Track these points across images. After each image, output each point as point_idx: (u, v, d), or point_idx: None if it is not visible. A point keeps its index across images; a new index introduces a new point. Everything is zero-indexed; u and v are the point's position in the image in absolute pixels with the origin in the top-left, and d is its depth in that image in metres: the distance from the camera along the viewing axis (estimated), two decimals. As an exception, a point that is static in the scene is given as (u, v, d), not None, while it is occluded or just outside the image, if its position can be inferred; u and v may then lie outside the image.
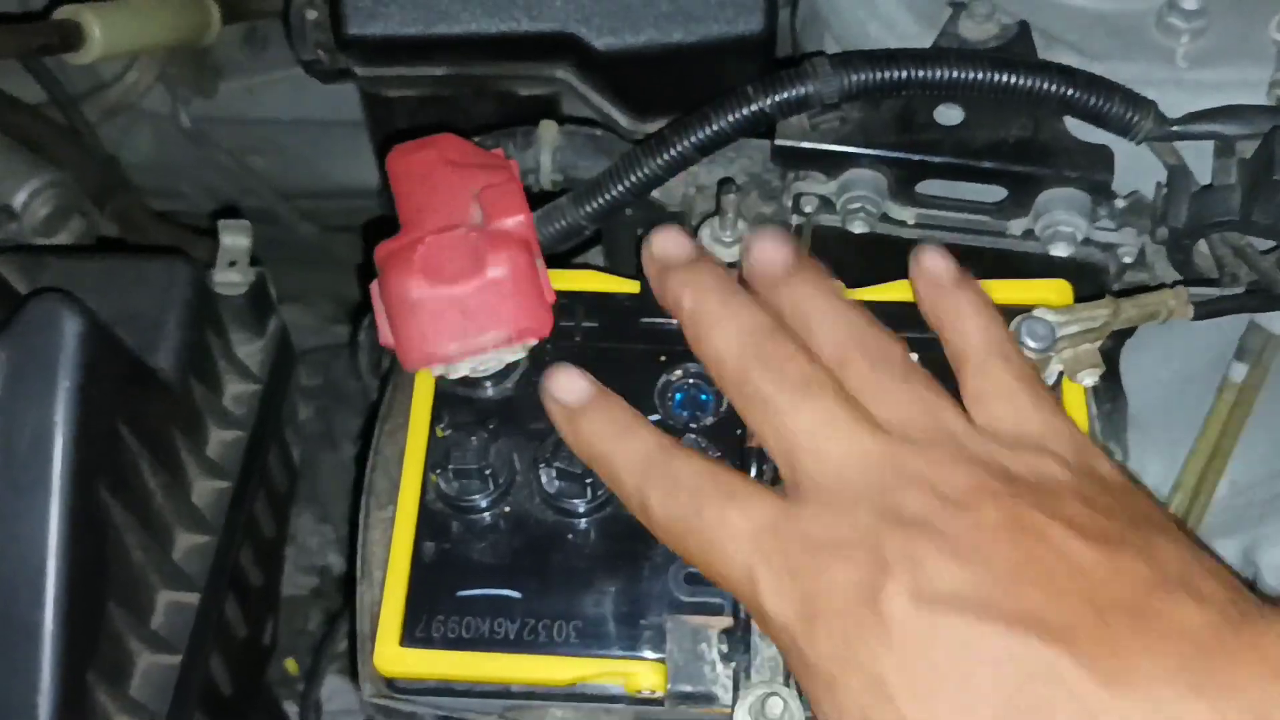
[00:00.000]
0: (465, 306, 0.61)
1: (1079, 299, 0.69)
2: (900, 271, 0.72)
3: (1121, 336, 0.84)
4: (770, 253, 0.59)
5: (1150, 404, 0.91)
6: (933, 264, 0.59)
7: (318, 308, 1.38)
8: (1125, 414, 0.91)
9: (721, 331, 0.56)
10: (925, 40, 0.79)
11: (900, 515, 0.48)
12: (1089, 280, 0.75)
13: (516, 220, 0.63)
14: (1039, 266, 0.75)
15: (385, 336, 0.64)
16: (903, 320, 0.69)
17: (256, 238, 0.81)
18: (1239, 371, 0.85)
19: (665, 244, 0.58)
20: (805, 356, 0.55)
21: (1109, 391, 0.89)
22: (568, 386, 0.59)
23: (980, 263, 0.76)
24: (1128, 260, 0.74)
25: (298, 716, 1.02)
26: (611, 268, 0.85)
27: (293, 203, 1.26)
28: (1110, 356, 0.86)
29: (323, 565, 1.18)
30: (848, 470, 0.50)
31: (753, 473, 0.60)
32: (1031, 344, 0.63)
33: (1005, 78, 0.69)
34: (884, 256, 0.77)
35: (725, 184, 0.67)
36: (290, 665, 1.07)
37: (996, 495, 0.48)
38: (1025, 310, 0.65)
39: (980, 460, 0.50)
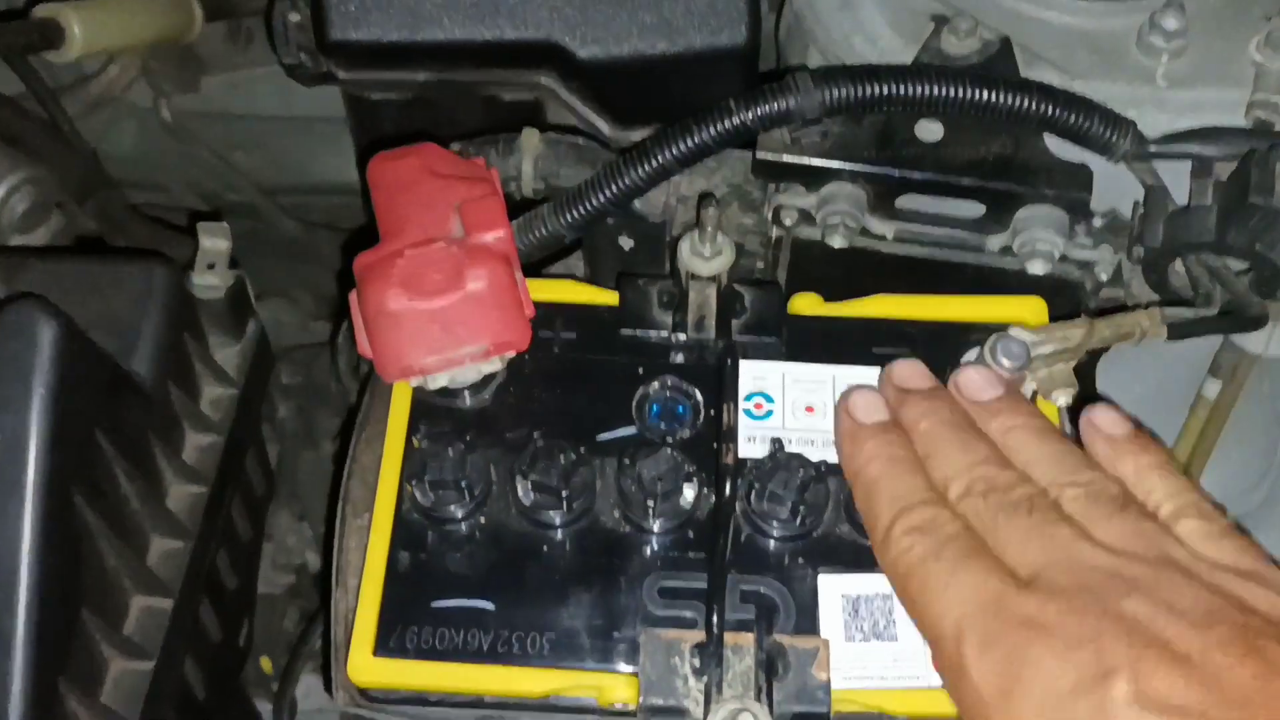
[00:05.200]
0: (444, 319, 0.61)
1: (1055, 316, 0.69)
2: (879, 286, 0.73)
3: (1097, 352, 0.85)
4: (979, 385, 0.62)
5: (1125, 418, 0.92)
6: (1106, 421, 0.60)
7: (300, 304, 1.37)
8: (1100, 428, 0.91)
9: (951, 456, 0.58)
10: (908, 55, 0.79)
11: (1132, 622, 0.49)
12: (1066, 297, 0.76)
13: (496, 234, 0.63)
14: (1016, 283, 0.75)
15: (364, 347, 0.64)
16: (882, 336, 0.69)
17: (238, 234, 0.81)
18: (1213, 388, 0.85)
19: (906, 373, 0.63)
20: (1029, 484, 0.56)
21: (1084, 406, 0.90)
22: (864, 406, 0.62)
23: (958, 278, 0.77)
24: (1104, 278, 0.75)
25: (271, 715, 1.02)
26: (592, 277, 0.85)
27: (275, 198, 1.26)
28: (1086, 372, 0.87)
29: (300, 564, 1.18)
30: (1080, 574, 0.51)
31: (727, 490, 0.60)
32: (1006, 363, 0.63)
33: (985, 95, 0.69)
34: (863, 270, 0.78)
35: (705, 198, 0.68)
36: (265, 664, 1.07)
37: (1232, 620, 0.48)
38: (1000, 327, 0.65)
39: (1213, 585, 0.51)
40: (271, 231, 1.29)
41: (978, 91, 0.69)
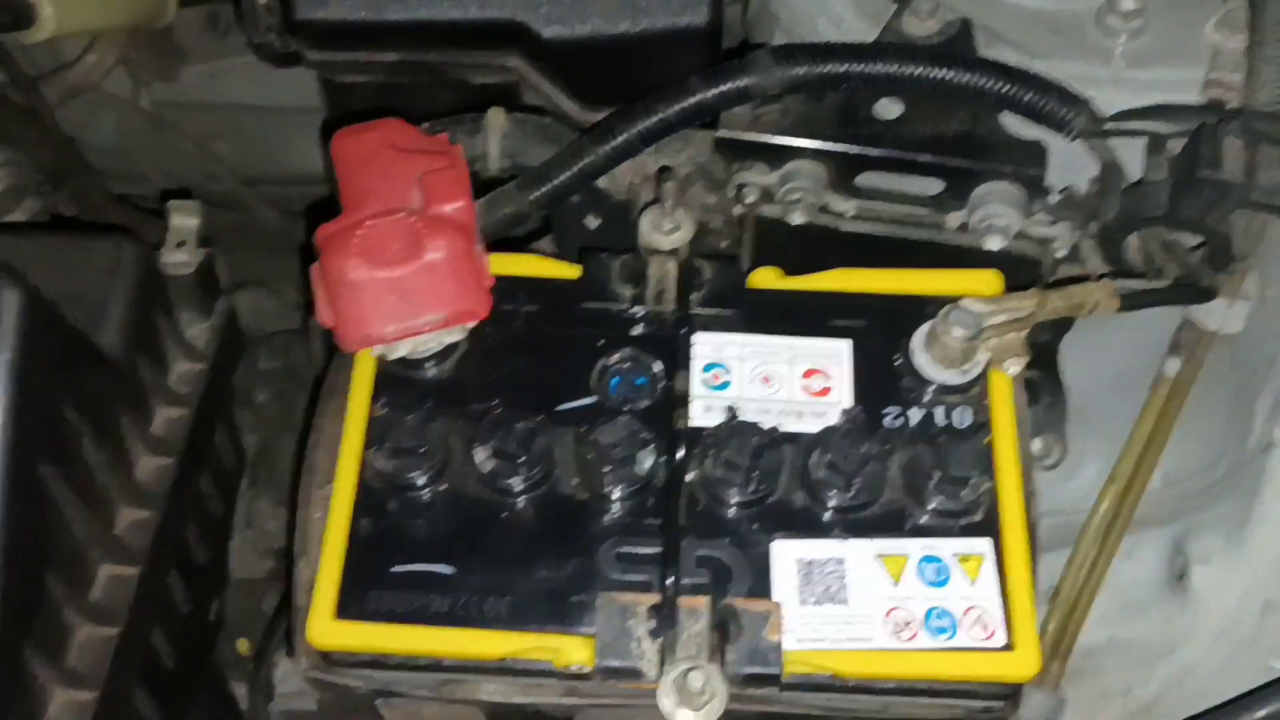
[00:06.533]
0: (403, 288, 0.62)
1: (1014, 291, 0.70)
2: (840, 264, 0.74)
3: (1061, 330, 0.86)
4: None
5: (1092, 397, 0.93)
6: None
7: (281, 293, 1.37)
8: (1065, 407, 0.92)
9: None
10: (871, 35, 0.80)
11: None
12: (1025, 273, 0.77)
13: (456, 205, 0.64)
14: (976, 260, 0.76)
15: (325, 317, 0.64)
16: (840, 308, 0.70)
17: (221, 225, 0.82)
18: (1173, 366, 0.86)
19: None
20: None
21: (1049, 384, 0.91)
22: None
23: (918, 256, 0.78)
24: (1061, 254, 0.76)
25: (246, 697, 1.03)
26: (560, 253, 0.86)
27: (256, 188, 1.26)
28: (1051, 350, 0.88)
29: (280, 548, 1.18)
30: None
31: (679, 454, 0.61)
32: (958, 332, 0.64)
33: (943, 74, 0.70)
34: (825, 248, 0.79)
35: (663, 172, 0.69)
36: (243, 646, 1.07)
37: None
38: (956, 300, 0.66)
39: None
40: (253, 222, 1.29)
41: (934, 69, 0.70)
